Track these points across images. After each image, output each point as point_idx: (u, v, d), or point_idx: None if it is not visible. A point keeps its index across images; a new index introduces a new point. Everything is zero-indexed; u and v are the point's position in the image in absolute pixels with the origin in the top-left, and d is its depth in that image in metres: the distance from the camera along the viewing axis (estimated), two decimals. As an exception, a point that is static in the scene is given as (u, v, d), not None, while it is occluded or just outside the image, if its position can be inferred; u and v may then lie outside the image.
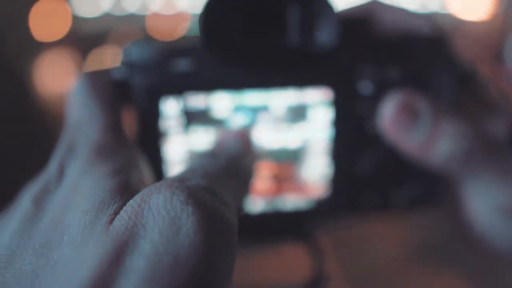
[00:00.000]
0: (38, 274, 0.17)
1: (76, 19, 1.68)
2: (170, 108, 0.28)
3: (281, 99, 0.28)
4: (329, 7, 0.26)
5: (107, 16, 1.75)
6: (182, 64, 0.28)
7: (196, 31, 0.26)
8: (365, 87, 0.29)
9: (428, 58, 0.28)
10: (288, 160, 0.29)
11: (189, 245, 0.16)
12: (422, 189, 0.30)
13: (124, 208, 0.18)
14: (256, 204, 0.30)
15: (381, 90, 0.29)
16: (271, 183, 0.29)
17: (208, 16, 0.26)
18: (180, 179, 0.19)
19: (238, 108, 0.28)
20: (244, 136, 0.26)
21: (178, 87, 0.28)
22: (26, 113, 1.36)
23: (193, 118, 0.28)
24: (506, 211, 0.27)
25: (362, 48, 0.29)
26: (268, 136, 0.29)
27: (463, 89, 0.29)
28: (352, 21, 0.30)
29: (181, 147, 0.29)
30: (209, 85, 0.28)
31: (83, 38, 1.66)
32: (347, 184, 0.30)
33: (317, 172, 0.30)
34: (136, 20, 1.77)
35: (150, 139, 0.28)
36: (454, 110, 0.27)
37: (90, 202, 0.18)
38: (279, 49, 0.27)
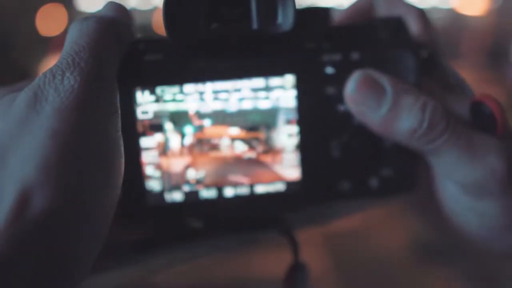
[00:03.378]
0: None
1: (80, 14, 1.69)
2: (144, 100, 0.28)
3: (248, 87, 0.29)
4: None
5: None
6: (154, 59, 0.28)
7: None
8: (328, 71, 0.29)
9: (388, 40, 0.29)
10: (259, 123, 0.30)
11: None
12: (395, 173, 0.30)
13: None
14: (229, 190, 0.30)
15: (344, 73, 0.28)
16: (242, 148, 0.30)
17: (170, 4, 0.26)
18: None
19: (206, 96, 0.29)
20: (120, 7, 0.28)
21: (150, 80, 0.28)
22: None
23: (176, 121, 0.29)
24: (472, 189, 0.27)
25: (324, 34, 0.30)
26: (239, 96, 0.29)
27: (425, 72, 0.29)
28: (316, 12, 0.31)
29: (155, 139, 0.29)
30: (178, 78, 0.28)
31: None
32: (317, 167, 0.30)
33: (288, 141, 0.30)
34: (139, 15, 1.78)
35: (126, 130, 0.27)
36: (415, 88, 0.28)
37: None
38: (241, 33, 0.28)
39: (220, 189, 0.30)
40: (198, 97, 0.29)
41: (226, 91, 0.29)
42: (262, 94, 0.29)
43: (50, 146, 0.21)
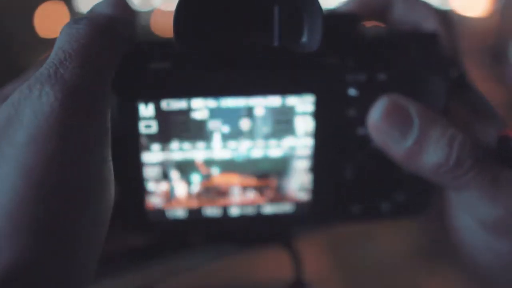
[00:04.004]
0: None
1: (79, 15, 1.68)
2: (147, 113, 0.26)
3: (263, 105, 0.26)
4: (316, 6, 0.24)
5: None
6: (161, 68, 0.25)
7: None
8: (351, 93, 0.27)
9: (419, 59, 0.27)
10: (270, 172, 0.28)
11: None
12: (408, 197, 0.29)
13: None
14: (235, 209, 0.29)
15: (368, 95, 0.27)
16: (252, 195, 0.28)
17: (182, 9, 0.23)
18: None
19: (216, 112, 0.26)
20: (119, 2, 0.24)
21: (156, 92, 0.26)
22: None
23: (170, 123, 0.26)
24: (492, 227, 0.26)
25: (348, 51, 0.27)
26: (250, 145, 0.27)
27: (454, 92, 0.28)
28: (340, 21, 0.28)
29: (159, 154, 0.27)
30: (188, 91, 0.26)
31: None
32: (328, 191, 0.29)
33: (301, 183, 0.29)
34: (139, 16, 1.76)
35: (128, 145, 0.26)
36: (444, 116, 0.26)
37: None
38: (261, 49, 0.25)
39: (225, 208, 0.28)
40: (204, 145, 0.27)
41: (236, 139, 0.27)
42: (273, 142, 0.27)
43: (21, 188, 0.18)
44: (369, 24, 0.30)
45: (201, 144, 0.27)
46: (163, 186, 0.28)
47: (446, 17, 0.29)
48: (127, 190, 0.27)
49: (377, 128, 0.26)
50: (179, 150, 0.27)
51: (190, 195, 0.28)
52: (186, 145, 0.26)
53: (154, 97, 0.26)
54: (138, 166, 0.27)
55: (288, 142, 0.27)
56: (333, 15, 0.29)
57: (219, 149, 0.27)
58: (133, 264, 0.30)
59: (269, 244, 0.32)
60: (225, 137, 0.27)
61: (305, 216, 0.29)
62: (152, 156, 0.27)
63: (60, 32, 0.22)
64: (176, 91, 0.26)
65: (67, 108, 0.19)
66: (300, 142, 0.27)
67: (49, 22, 1.47)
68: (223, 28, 0.24)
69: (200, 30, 0.24)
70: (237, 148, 0.27)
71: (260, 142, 0.27)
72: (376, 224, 0.31)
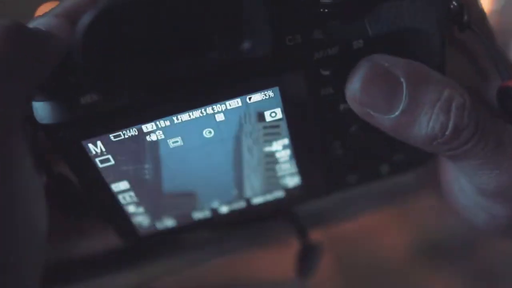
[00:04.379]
0: None
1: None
2: (97, 150, 0.24)
3: (223, 110, 0.23)
4: (260, 6, 0.19)
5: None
6: (92, 101, 0.22)
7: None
8: (323, 72, 0.23)
9: (403, 7, 0.21)
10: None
11: None
12: (407, 156, 0.27)
13: None
14: (223, 208, 0.28)
15: (344, 70, 0.22)
16: None
17: (89, 50, 0.19)
18: None
19: (172, 130, 0.24)
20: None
21: (97, 128, 0.23)
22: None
23: (126, 152, 0.24)
24: (491, 193, 0.23)
25: (312, 22, 0.21)
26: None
27: (454, 31, 0.23)
28: None
29: (124, 181, 0.26)
30: (133, 119, 0.23)
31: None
32: (317, 170, 0.27)
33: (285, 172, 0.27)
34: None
35: (95, 181, 0.25)
36: (439, 73, 0.22)
37: None
38: (198, 66, 0.21)
39: (214, 209, 0.28)
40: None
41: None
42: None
43: None
44: None
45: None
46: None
47: None
48: (112, 218, 0.27)
49: (357, 100, 0.22)
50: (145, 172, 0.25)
51: None
52: (150, 168, 0.25)
53: (98, 134, 0.23)
54: (112, 196, 0.26)
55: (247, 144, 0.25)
56: None
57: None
58: (132, 262, 0.30)
59: (271, 220, 0.31)
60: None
61: (297, 199, 0.28)
62: (121, 184, 0.26)
63: None
64: (119, 121, 0.23)
65: None
66: (256, 97, 0.24)
67: None
68: (144, 56, 0.20)
69: (109, 66, 0.20)
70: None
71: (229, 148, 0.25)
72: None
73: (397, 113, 0.21)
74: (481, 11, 0.25)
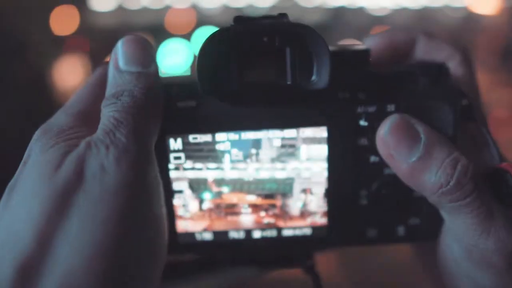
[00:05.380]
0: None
1: (92, 14, 1.71)
2: (176, 146, 0.28)
3: (280, 137, 0.29)
4: (325, 48, 0.26)
5: (120, 10, 1.78)
6: (187, 106, 0.28)
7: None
8: (362, 123, 0.29)
9: (426, 89, 0.28)
10: (276, 191, 0.30)
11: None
12: (422, 222, 0.30)
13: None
14: (257, 232, 0.31)
15: (378, 126, 0.28)
16: (258, 213, 0.30)
17: (202, 59, 0.26)
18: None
19: (237, 144, 0.29)
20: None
21: (183, 128, 0.28)
22: (45, 104, 1.41)
23: (195, 153, 0.29)
24: (478, 258, 0.26)
25: (360, 82, 0.28)
26: (257, 167, 0.29)
27: (463, 121, 0.28)
28: (352, 57, 0.29)
29: (185, 181, 0.29)
30: (210, 127, 0.28)
31: (98, 31, 1.69)
32: (344, 215, 0.30)
33: (307, 206, 0.30)
34: (151, 14, 1.79)
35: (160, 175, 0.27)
36: (450, 141, 0.27)
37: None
38: (275, 88, 0.27)
39: (248, 231, 0.31)
40: (216, 166, 0.29)
41: (244, 161, 0.29)
42: (279, 165, 0.30)
43: (102, 237, 0.20)
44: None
45: (212, 165, 0.29)
46: (178, 201, 0.30)
47: (466, 55, 0.30)
48: None
49: (384, 141, 0.27)
50: (191, 170, 0.29)
51: (202, 211, 0.30)
52: (198, 165, 0.29)
53: (181, 132, 0.28)
54: (169, 193, 0.29)
55: (291, 165, 0.29)
56: (345, 51, 0.30)
57: (229, 169, 0.29)
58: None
59: (290, 266, 0.33)
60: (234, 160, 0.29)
61: (322, 239, 0.31)
62: (182, 184, 0.29)
63: (105, 103, 0.25)
64: (201, 127, 0.28)
65: (132, 167, 0.22)
66: (303, 166, 0.29)
67: (62, 22, 1.63)
68: (240, 71, 0.27)
69: (220, 74, 0.27)
70: (245, 168, 0.29)
71: (266, 165, 0.29)
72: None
73: (413, 159, 0.26)
74: (482, 107, 0.31)
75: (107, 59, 0.28)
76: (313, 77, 0.27)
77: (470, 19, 1.85)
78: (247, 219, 0.30)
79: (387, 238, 0.31)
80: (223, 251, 0.31)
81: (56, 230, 0.20)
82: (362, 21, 1.87)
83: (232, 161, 0.29)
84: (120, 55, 0.26)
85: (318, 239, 0.31)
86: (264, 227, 0.30)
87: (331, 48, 0.27)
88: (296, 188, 0.30)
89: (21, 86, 1.39)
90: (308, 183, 0.30)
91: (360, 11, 1.90)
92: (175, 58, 1.72)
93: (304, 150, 0.29)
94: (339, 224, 0.30)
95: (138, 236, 0.22)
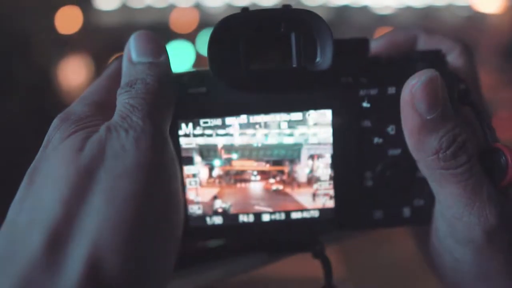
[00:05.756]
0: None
1: (96, 13, 1.71)
2: (187, 131, 0.30)
3: (287, 120, 0.30)
4: (328, 31, 0.28)
5: (124, 8, 1.79)
6: (198, 92, 0.29)
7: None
8: (364, 105, 0.30)
9: None
10: (284, 158, 0.31)
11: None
12: (426, 203, 0.31)
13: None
14: (266, 215, 0.31)
15: (380, 107, 0.30)
16: (266, 179, 0.31)
17: (213, 44, 0.27)
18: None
19: (246, 127, 0.30)
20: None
21: (194, 113, 0.30)
22: (49, 102, 1.42)
23: (204, 154, 0.30)
24: (459, 232, 0.28)
25: (361, 67, 0.30)
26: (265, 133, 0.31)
27: (461, 105, 0.30)
28: (353, 45, 0.31)
29: (197, 164, 0.31)
30: (220, 112, 0.30)
31: (103, 30, 1.70)
32: (350, 197, 0.31)
33: (322, 173, 0.31)
34: (156, 13, 1.79)
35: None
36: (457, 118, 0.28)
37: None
38: (281, 71, 0.29)
39: (257, 215, 0.31)
40: (225, 132, 0.30)
41: (253, 126, 0.30)
42: (287, 131, 0.30)
43: (126, 209, 0.22)
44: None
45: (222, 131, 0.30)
46: (189, 170, 0.31)
47: (466, 48, 0.32)
48: None
49: (413, 89, 0.27)
50: (201, 136, 0.30)
51: (211, 179, 0.31)
52: (208, 130, 0.30)
53: (192, 117, 0.30)
54: (181, 177, 0.30)
55: (299, 130, 0.31)
56: (346, 40, 0.32)
57: (238, 135, 0.30)
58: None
59: (300, 251, 0.34)
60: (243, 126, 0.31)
61: (329, 222, 0.31)
62: (193, 168, 0.30)
63: (119, 91, 0.26)
64: (211, 111, 0.30)
65: (148, 148, 0.23)
66: (311, 131, 0.30)
67: (67, 22, 1.64)
68: (248, 57, 0.29)
69: (230, 63, 0.28)
70: (254, 134, 0.30)
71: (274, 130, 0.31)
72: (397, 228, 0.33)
73: (429, 117, 0.27)
74: (481, 94, 0.32)
75: (113, 57, 0.29)
76: (317, 59, 0.28)
77: (474, 17, 1.85)
78: (256, 186, 0.31)
79: (394, 220, 0.31)
80: (233, 235, 0.32)
81: (81, 204, 0.22)
82: (366, 20, 1.87)
83: (241, 127, 0.30)
84: (132, 48, 0.28)
85: (326, 221, 0.31)
86: (272, 211, 0.31)
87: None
88: (304, 154, 0.31)
89: (26, 85, 1.40)
90: (315, 149, 0.31)
91: (364, 10, 1.90)
92: (179, 59, 1.74)
93: (313, 115, 0.30)
94: (345, 206, 0.31)
95: (157, 211, 0.23)
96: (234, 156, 0.30)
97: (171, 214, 0.24)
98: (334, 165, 0.31)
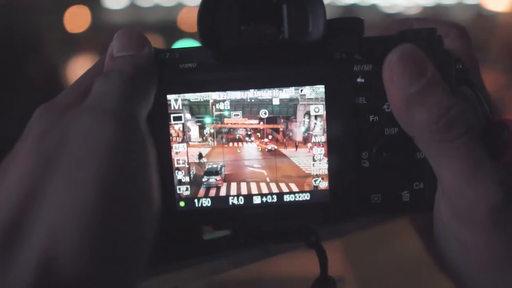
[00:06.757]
0: None
1: (105, 11, 1.73)
2: (175, 103, 0.29)
3: (279, 97, 0.30)
4: (319, 2, 0.28)
5: (133, 7, 1.80)
6: (188, 68, 0.29)
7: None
8: (359, 80, 0.29)
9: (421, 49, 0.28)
10: (278, 114, 0.30)
11: None
12: (426, 187, 0.30)
13: None
14: (257, 197, 0.30)
15: (374, 83, 0.29)
16: (259, 138, 0.30)
17: (203, 14, 0.27)
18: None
19: (237, 103, 0.30)
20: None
21: (184, 88, 0.29)
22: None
23: (195, 110, 0.30)
24: (462, 211, 0.26)
25: (355, 44, 0.29)
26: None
27: (459, 85, 0.29)
28: (348, 23, 0.31)
29: (185, 106, 0.30)
30: (210, 86, 0.29)
31: (111, 29, 1.71)
32: (345, 178, 0.30)
33: (308, 132, 0.30)
34: (163, 11, 1.80)
35: (160, 134, 0.29)
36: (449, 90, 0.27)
37: None
38: (273, 42, 0.28)
39: (248, 197, 0.30)
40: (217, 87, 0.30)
41: (244, 101, 0.30)
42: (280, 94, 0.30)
43: (86, 195, 0.21)
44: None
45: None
46: (178, 127, 0.30)
47: (463, 31, 0.31)
48: (161, 182, 0.27)
49: (391, 64, 0.27)
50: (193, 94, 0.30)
51: (202, 137, 0.30)
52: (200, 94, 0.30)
53: (181, 91, 0.30)
54: (170, 157, 0.30)
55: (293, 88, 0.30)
56: (341, 19, 0.31)
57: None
58: (157, 267, 0.30)
59: (295, 240, 0.32)
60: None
61: (323, 204, 0.30)
62: (181, 146, 0.30)
63: (95, 81, 0.26)
64: (201, 86, 0.29)
65: (113, 133, 0.23)
66: (306, 90, 0.30)
67: (76, 21, 1.67)
68: (239, 29, 0.28)
69: (220, 34, 0.28)
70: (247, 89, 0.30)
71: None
72: (397, 215, 0.32)
73: (413, 91, 0.26)
74: (479, 76, 0.31)
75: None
76: (309, 29, 0.28)
77: (483, 16, 1.83)
78: (250, 146, 0.30)
79: (392, 204, 0.30)
80: (222, 218, 0.31)
81: (40, 190, 0.21)
82: (375, 18, 1.86)
83: (231, 103, 0.30)
84: (114, 45, 0.28)
85: (320, 204, 0.30)
86: (263, 194, 0.30)
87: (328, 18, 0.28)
88: (300, 110, 0.30)
89: (36, 82, 1.41)
90: (311, 106, 0.30)
91: (373, 8, 1.89)
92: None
93: (305, 91, 0.30)
94: (340, 188, 0.30)
95: (123, 198, 0.22)
96: (226, 113, 0.30)
97: (140, 201, 0.23)
98: (329, 142, 0.29)
